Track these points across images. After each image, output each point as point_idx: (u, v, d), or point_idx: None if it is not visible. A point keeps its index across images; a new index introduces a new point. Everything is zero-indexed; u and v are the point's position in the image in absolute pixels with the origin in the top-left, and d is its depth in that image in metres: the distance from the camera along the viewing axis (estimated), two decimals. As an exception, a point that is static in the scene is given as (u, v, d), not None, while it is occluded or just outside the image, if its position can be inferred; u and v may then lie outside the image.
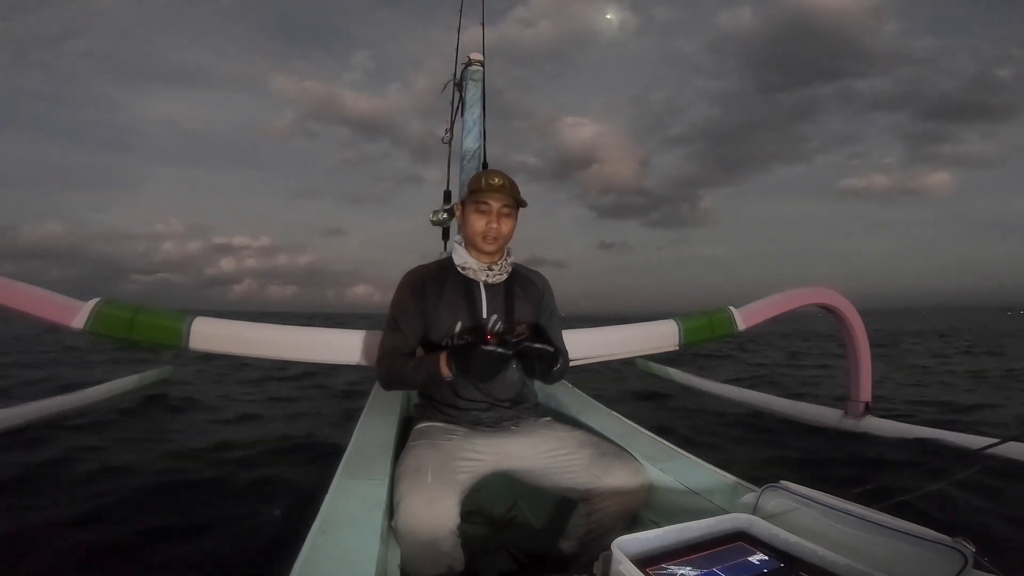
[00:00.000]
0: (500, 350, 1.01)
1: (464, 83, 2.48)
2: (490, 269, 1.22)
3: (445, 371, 1.07)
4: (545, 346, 1.04)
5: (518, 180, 1.22)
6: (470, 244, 1.22)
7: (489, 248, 1.20)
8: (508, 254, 1.26)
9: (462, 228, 1.24)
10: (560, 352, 1.09)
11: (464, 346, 1.06)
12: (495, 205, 1.18)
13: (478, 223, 1.18)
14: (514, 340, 1.18)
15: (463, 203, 1.23)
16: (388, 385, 1.21)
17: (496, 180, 1.18)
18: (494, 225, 1.18)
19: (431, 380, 1.12)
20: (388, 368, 1.18)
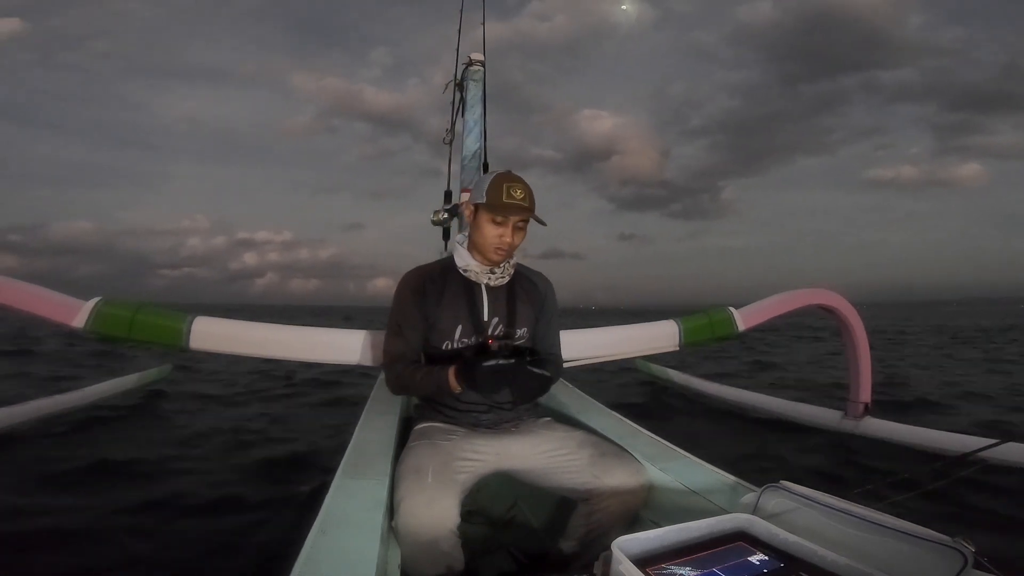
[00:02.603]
0: (501, 363, 1.02)
1: (465, 83, 2.49)
2: (492, 272, 1.19)
3: (455, 385, 1.08)
4: (543, 371, 1.05)
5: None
6: (475, 248, 1.18)
7: (497, 259, 1.17)
8: (510, 256, 1.22)
9: (471, 231, 1.19)
10: (553, 374, 1.10)
11: (468, 364, 1.06)
12: (512, 219, 1.13)
13: (491, 233, 1.13)
14: (515, 347, 1.18)
15: (476, 207, 1.15)
16: (398, 391, 1.23)
17: (519, 194, 1.11)
18: (507, 239, 1.13)
19: (440, 391, 1.12)
20: (397, 376, 1.18)
